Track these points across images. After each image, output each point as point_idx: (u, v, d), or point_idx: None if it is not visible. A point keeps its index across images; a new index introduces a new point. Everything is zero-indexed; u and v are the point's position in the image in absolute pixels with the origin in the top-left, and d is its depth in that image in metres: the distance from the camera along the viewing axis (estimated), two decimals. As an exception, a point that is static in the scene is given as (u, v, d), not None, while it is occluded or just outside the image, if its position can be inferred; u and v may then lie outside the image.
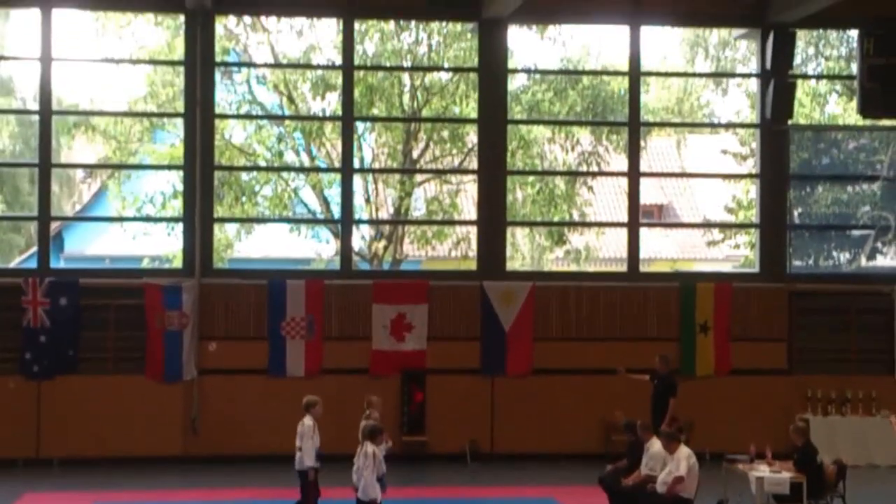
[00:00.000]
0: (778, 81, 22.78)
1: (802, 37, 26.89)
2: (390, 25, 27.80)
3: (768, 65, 22.81)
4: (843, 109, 31.27)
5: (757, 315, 23.15)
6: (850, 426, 22.56)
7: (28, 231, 31.55)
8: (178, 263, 24.29)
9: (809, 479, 16.56)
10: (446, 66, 27.73)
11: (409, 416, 22.17)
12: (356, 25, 24.04)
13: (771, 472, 16.80)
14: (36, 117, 22.87)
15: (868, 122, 24.56)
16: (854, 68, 23.56)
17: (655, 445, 16.68)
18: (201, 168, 22.37)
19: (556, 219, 28.44)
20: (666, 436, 16.41)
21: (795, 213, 25.02)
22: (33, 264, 23.26)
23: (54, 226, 24.54)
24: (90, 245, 33.31)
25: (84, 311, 21.88)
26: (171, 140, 27.52)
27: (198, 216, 22.34)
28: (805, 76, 30.06)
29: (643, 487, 16.34)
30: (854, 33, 23.83)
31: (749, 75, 28.17)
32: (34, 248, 24.18)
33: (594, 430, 22.33)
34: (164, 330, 21.95)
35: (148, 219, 27.40)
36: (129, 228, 28.26)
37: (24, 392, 21.53)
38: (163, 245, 27.53)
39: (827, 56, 32.00)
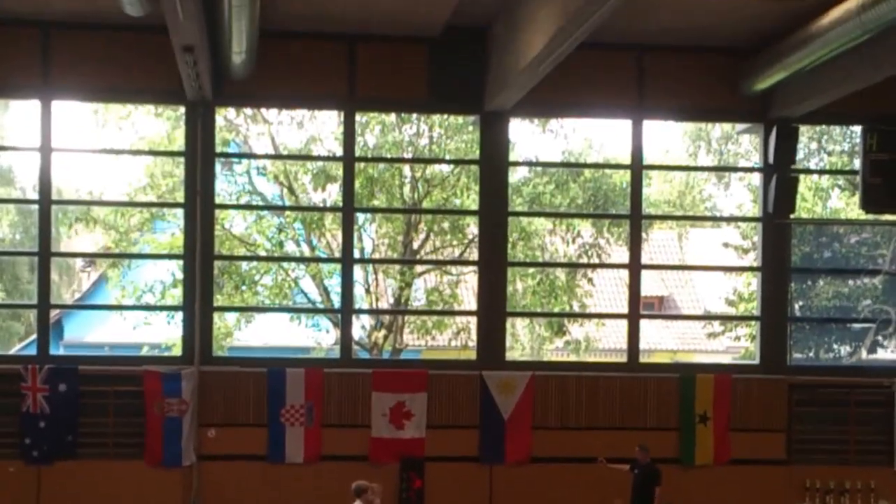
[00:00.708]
0: (780, 176, 23.15)
1: (805, 132, 27.43)
2: (391, 118, 28.41)
3: (770, 159, 23.17)
4: (845, 204, 31.83)
5: (756, 406, 23.42)
6: (848, 519, 22.83)
7: (28, 318, 31.99)
8: (177, 351, 24.59)
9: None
10: (447, 157, 28.26)
11: (408, 503, 22.43)
12: (357, 117, 24.51)
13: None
14: (36, 207, 23.20)
15: (870, 217, 24.80)
16: (857, 163, 23.85)
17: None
18: (201, 257, 22.72)
19: (556, 310, 28.79)
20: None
21: (797, 306, 25.35)
22: (33, 351, 23.57)
23: (54, 314, 24.93)
24: (90, 332, 33.70)
25: (83, 397, 22.17)
26: (172, 230, 28.02)
27: (198, 305, 22.68)
28: (808, 171, 30.52)
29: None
30: (857, 129, 24.12)
31: (751, 169, 28.78)
32: (34, 336, 24.53)
33: (595, 519, 22.57)
34: (164, 416, 22.21)
35: (147, 307, 27.78)
36: (128, 317, 28.66)
37: (25, 477, 21.81)
38: (162, 333, 27.93)
39: (829, 151, 32.62)
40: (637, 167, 24.04)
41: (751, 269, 27.93)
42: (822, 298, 27.61)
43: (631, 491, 20.73)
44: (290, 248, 28.63)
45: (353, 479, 19.99)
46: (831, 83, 20.98)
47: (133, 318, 28.31)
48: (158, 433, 22.25)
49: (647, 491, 20.25)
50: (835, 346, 27.36)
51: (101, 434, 22.34)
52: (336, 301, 26.68)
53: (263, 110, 27.70)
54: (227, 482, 22.23)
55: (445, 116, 27.70)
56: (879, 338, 26.76)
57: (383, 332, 29.36)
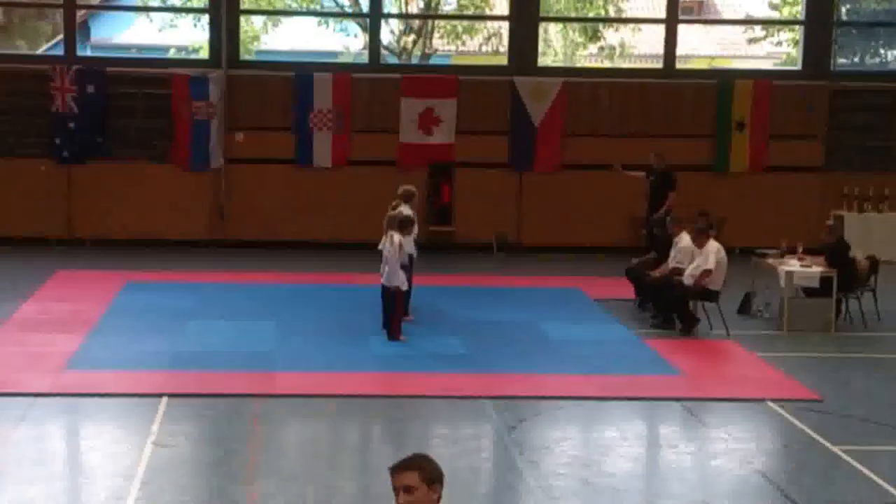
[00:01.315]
0: None
1: None
2: None
3: None
4: None
5: (796, 113, 23.07)
6: (886, 223, 22.65)
7: (54, 18, 31.46)
8: (204, 54, 24.32)
9: (841, 274, 16.78)
10: None
11: (435, 208, 22.46)
12: None
13: (801, 266, 17.01)
14: None
15: None
16: None
17: (684, 239, 16.88)
18: (228, -42, 22.24)
19: (590, 14, 28.12)
20: (696, 230, 16.60)
21: (843, 10, 24.67)
22: (60, 52, 23.35)
23: (80, 13, 24.42)
24: (116, 34, 33.24)
25: (111, 99, 22.12)
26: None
27: (224, 7, 22.27)
28: None
29: (670, 280, 16.61)
30: None
31: None
32: (60, 36, 24.22)
33: (621, 225, 22.57)
34: (192, 120, 22.16)
35: (173, 9, 27.25)
36: (154, 19, 28.16)
37: (55, 176, 21.97)
38: (189, 36, 27.48)
39: None
40: None
41: (796, -30, 26.97)
42: (871, 1, 26.68)
43: (647, 198, 20.59)
44: (319, -53, 27.81)
45: (381, 185, 19.99)
46: None
47: (159, 19, 27.81)
48: (186, 136, 22.21)
49: (662, 196, 20.13)
50: (881, 52, 26.55)
51: (129, 136, 22.34)
52: (364, 5, 25.96)
53: None
54: (255, 185, 22.30)
55: None
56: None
57: (412, 36, 28.72)
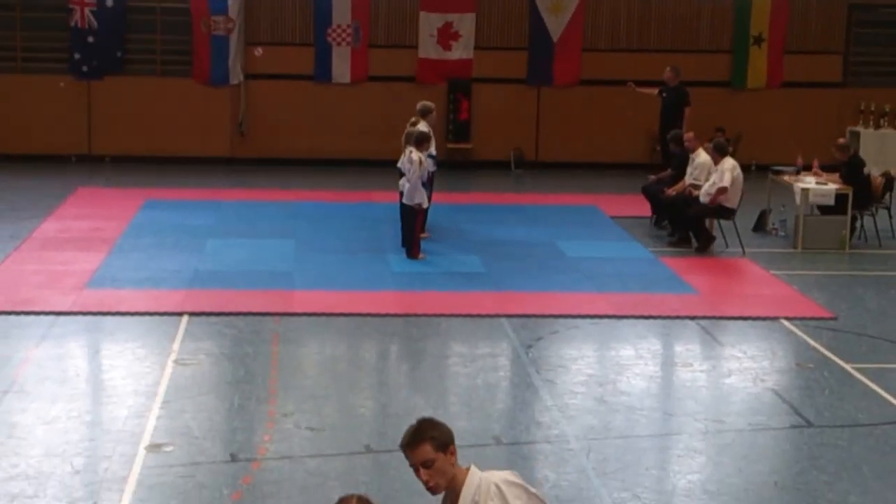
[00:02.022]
0: None
1: None
2: None
3: None
4: None
5: (814, 27, 22.78)
6: (903, 139, 22.52)
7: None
8: (223, -33, 24.08)
9: (856, 191, 16.66)
10: None
11: (454, 124, 22.34)
12: None
13: (817, 183, 16.89)
14: None
15: None
16: None
17: (701, 156, 16.76)
18: None
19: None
20: (714, 146, 16.46)
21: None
22: (78, -35, 23.15)
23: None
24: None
25: (131, 13, 21.96)
26: None
27: (241, -80, 22.07)
28: None
29: (686, 197, 16.51)
30: None
31: None
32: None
33: (639, 141, 22.42)
34: (210, 34, 21.99)
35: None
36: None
37: (75, 91, 21.86)
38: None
39: None
40: None
41: None
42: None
43: (660, 115, 20.41)
44: None
45: (400, 100, 19.86)
46: None
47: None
48: (206, 51, 22.05)
49: (677, 112, 19.93)
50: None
51: (149, 51, 22.22)
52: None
53: None
54: (274, 101, 22.18)
55: None
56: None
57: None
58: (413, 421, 4.99)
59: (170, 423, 9.54)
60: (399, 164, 15.26)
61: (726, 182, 15.97)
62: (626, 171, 21.60)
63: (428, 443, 4.88)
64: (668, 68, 20.42)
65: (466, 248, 15.87)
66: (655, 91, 20.58)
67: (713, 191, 16.04)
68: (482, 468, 4.95)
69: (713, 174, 16.28)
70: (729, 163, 16.17)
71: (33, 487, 8.27)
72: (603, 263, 15.21)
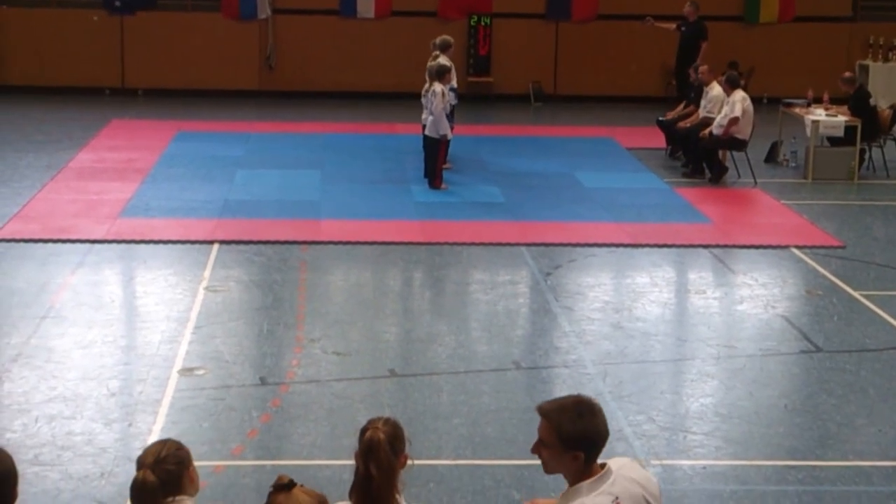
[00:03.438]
0: None
1: None
2: None
3: None
4: None
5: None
6: (911, 73, 22.16)
7: None
8: None
9: (864, 123, 16.47)
10: None
11: (475, 59, 22.10)
12: None
13: (827, 115, 16.70)
14: None
15: None
16: None
17: (715, 89, 16.55)
18: None
19: None
20: (726, 79, 16.26)
21: None
22: None
23: None
24: None
25: (162, -51, 21.81)
26: None
27: None
28: None
29: (700, 128, 16.34)
30: None
31: None
32: None
33: (655, 75, 22.16)
34: (239, -31, 21.81)
35: None
36: None
37: (108, 25, 21.66)
38: None
39: None
40: None
41: None
42: None
43: (677, 49, 20.11)
44: None
45: (422, 34, 19.62)
46: None
47: None
48: (234, -15, 21.84)
49: (694, 46, 19.64)
50: None
51: (178, -13, 22.01)
52: None
53: None
54: (301, 35, 21.95)
55: None
56: None
57: None
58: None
59: (201, 347, 9.53)
60: (423, 97, 15.12)
61: (737, 112, 15.78)
62: (641, 104, 21.37)
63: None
64: (687, 3, 20.06)
65: (487, 178, 15.74)
66: (674, 26, 20.26)
67: (725, 122, 15.87)
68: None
69: (725, 106, 16.11)
70: (739, 94, 15.98)
71: (70, 409, 8.27)
72: (619, 194, 15.08)
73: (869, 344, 10.07)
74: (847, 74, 17.38)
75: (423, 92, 15.12)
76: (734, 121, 15.77)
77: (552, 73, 22.40)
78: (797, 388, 9.29)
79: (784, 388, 9.23)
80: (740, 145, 16.02)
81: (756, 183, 15.86)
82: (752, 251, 12.82)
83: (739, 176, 16.10)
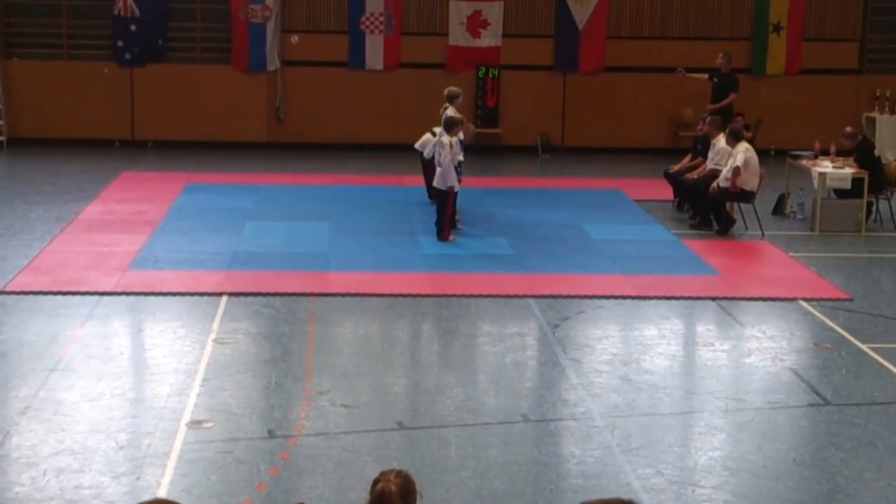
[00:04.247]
0: None
1: None
2: None
3: None
4: None
5: (831, 15, 22.55)
6: (917, 125, 22.25)
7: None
8: (261, -43, 24.06)
9: (870, 175, 16.53)
10: None
11: (483, 110, 22.26)
12: None
13: (834, 167, 16.76)
14: None
15: None
16: None
17: (722, 141, 16.63)
18: None
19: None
20: (729, 132, 16.36)
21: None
22: (122, -44, 23.17)
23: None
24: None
25: (171, 2, 21.96)
26: None
27: None
28: None
29: (707, 181, 16.40)
30: None
31: None
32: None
33: (662, 127, 22.31)
34: (249, 22, 21.98)
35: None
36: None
37: (118, 78, 21.87)
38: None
39: None
40: None
41: None
42: None
43: (710, 101, 20.17)
44: None
45: (430, 86, 19.79)
46: None
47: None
48: (244, 39, 22.04)
49: (725, 97, 19.76)
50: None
51: (189, 38, 22.21)
52: None
53: None
54: (310, 87, 22.15)
55: None
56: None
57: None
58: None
59: (210, 400, 9.56)
60: (417, 145, 15.19)
61: (739, 161, 15.86)
62: (648, 155, 21.48)
63: None
64: (720, 55, 20.17)
65: (495, 230, 15.81)
66: (705, 76, 20.34)
67: (730, 174, 15.94)
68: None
69: (731, 158, 16.18)
70: (743, 146, 16.09)
71: (79, 462, 8.30)
72: (627, 245, 15.13)
73: (877, 397, 10.07)
74: (848, 130, 17.45)
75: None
76: (737, 171, 15.84)
77: (560, 125, 22.54)
78: (806, 441, 9.29)
79: (792, 441, 9.22)
80: (748, 197, 16.08)
81: (763, 235, 15.91)
82: (760, 303, 12.84)
83: (747, 228, 16.15)
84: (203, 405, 9.42)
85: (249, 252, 14.29)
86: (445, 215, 15.05)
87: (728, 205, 16.29)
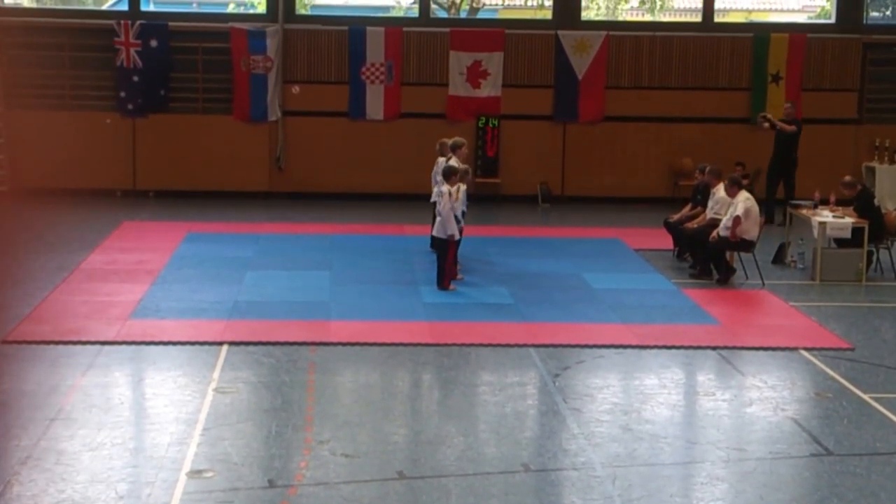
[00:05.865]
0: None
1: None
2: None
3: None
4: None
5: (830, 65, 22.73)
6: (918, 175, 22.36)
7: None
8: (262, 9, 24.23)
9: (870, 224, 16.59)
10: None
11: (483, 160, 22.37)
12: None
13: (833, 217, 16.82)
14: None
15: None
16: None
17: (721, 191, 16.71)
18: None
19: (632, -30, 27.77)
20: (728, 181, 16.43)
21: (875, -36, 24.27)
22: (124, 7, 23.34)
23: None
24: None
25: (174, 53, 22.15)
26: None
27: (279, -38, 22.22)
28: None
29: (707, 230, 16.45)
30: None
31: None
32: (124, -9, 24.26)
33: (662, 176, 22.41)
34: (250, 72, 22.15)
35: (232, -35, 27.17)
36: (214, -26, 28.09)
37: (120, 128, 22.03)
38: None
39: None
40: None
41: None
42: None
43: (782, 148, 20.46)
44: None
45: (431, 136, 19.86)
46: None
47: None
48: (245, 89, 22.20)
49: (795, 145, 20.28)
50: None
51: (191, 89, 22.38)
52: (415, -40, 25.78)
53: None
54: (311, 137, 22.30)
55: None
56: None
57: (461, -9, 28.52)
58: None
59: (210, 449, 9.54)
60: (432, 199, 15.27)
61: (739, 211, 15.92)
62: (648, 205, 21.57)
63: None
64: (786, 104, 20.60)
65: (495, 279, 15.84)
66: (794, 127, 20.48)
67: (731, 223, 15.99)
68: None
69: (731, 208, 16.24)
70: (742, 195, 16.15)
71: (80, 512, 8.28)
72: (627, 295, 15.16)
73: (880, 447, 10.05)
74: (847, 179, 17.53)
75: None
76: (737, 220, 15.90)
77: (560, 174, 22.64)
78: (808, 492, 9.26)
79: (794, 492, 9.20)
80: (748, 246, 16.13)
81: (764, 284, 15.93)
82: (761, 353, 12.85)
83: (747, 277, 16.18)
84: (203, 455, 9.41)
85: (250, 301, 14.32)
86: (446, 264, 15.09)
87: (728, 254, 16.33)
